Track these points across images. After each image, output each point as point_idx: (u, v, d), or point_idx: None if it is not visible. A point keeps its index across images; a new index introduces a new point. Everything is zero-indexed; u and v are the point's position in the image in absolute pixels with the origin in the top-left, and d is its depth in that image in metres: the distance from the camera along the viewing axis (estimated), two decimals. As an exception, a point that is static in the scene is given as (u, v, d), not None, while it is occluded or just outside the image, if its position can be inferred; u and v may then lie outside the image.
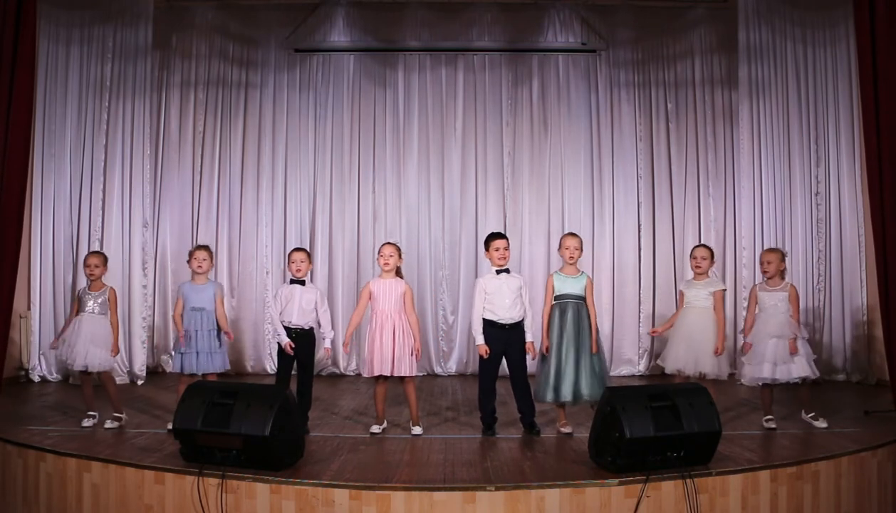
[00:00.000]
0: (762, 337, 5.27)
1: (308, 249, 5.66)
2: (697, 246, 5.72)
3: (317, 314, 5.35)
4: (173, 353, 5.63)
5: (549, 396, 5.06)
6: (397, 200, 8.37)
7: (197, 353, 5.31)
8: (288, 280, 5.47)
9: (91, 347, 5.34)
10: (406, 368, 5.15)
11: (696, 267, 5.45)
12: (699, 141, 8.35)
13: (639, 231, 8.33)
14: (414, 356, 5.17)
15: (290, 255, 5.48)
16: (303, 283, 5.36)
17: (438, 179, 8.40)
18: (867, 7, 5.50)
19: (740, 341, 7.52)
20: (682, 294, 5.52)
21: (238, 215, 8.33)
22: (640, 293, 8.23)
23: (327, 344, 5.40)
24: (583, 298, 5.18)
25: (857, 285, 7.52)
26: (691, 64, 8.42)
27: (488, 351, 5.12)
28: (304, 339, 5.28)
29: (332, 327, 5.49)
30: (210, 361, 5.34)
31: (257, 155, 8.38)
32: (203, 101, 8.38)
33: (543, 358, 5.17)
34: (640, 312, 8.21)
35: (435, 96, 8.48)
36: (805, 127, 7.65)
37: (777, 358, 5.20)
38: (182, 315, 5.38)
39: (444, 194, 8.39)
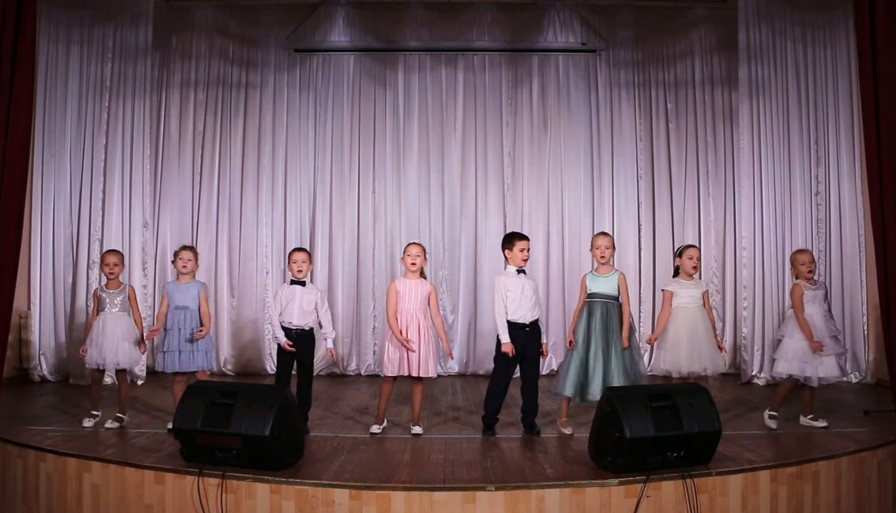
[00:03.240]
0: (823, 335, 5.28)
1: (309, 250, 5.62)
2: (692, 246, 5.61)
3: (317, 315, 5.33)
4: (155, 351, 5.65)
5: (570, 391, 5.04)
6: (397, 200, 8.38)
7: (179, 351, 5.32)
8: (288, 281, 5.45)
9: (121, 344, 5.38)
10: (431, 369, 5.14)
11: (694, 267, 5.40)
12: (699, 141, 8.36)
13: (639, 231, 8.34)
14: (437, 357, 5.17)
15: (290, 255, 5.44)
16: (303, 283, 5.33)
17: (438, 179, 8.40)
18: (867, 7, 5.49)
19: (741, 339, 7.61)
20: (671, 295, 5.38)
21: (238, 215, 8.34)
22: (640, 293, 8.23)
23: (329, 344, 5.35)
24: (615, 297, 5.14)
25: (857, 285, 7.52)
26: (691, 64, 8.43)
27: (514, 350, 5.06)
28: (304, 339, 5.26)
29: (334, 327, 5.47)
30: (191, 359, 5.33)
31: (257, 155, 8.38)
32: (203, 101, 8.39)
33: (567, 354, 5.16)
34: (640, 311, 8.21)
35: (435, 96, 8.48)
36: (805, 127, 7.64)
37: (836, 353, 5.30)
38: (166, 314, 5.40)
39: (444, 194, 8.39)
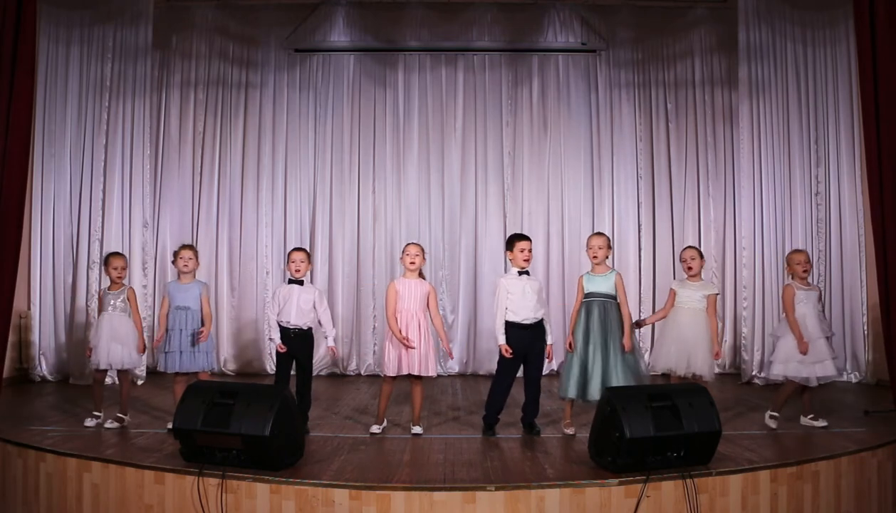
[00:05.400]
0: (817, 336, 5.23)
1: (308, 250, 5.62)
2: (686, 248, 5.64)
3: (316, 314, 5.34)
4: (156, 352, 5.66)
5: (573, 392, 5.03)
6: (397, 200, 8.38)
7: (180, 352, 5.31)
8: (286, 280, 5.46)
9: (113, 345, 5.38)
10: (431, 367, 5.15)
11: (688, 269, 5.41)
12: (699, 141, 8.36)
13: (639, 231, 8.34)
14: (439, 355, 5.16)
15: (289, 254, 5.46)
16: (301, 283, 5.34)
17: (438, 179, 8.40)
18: (867, 7, 5.50)
19: (741, 339, 7.61)
20: (673, 292, 5.44)
21: (238, 215, 8.34)
22: (640, 293, 8.24)
23: (330, 342, 5.35)
24: (612, 297, 5.14)
25: (857, 285, 7.52)
26: (691, 64, 8.43)
27: (510, 351, 5.05)
28: (302, 339, 5.26)
29: (334, 326, 5.47)
30: (192, 360, 5.33)
31: (257, 155, 8.38)
32: (203, 101, 8.39)
33: (567, 355, 5.15)
34: (640, 312, 8.20)
35: (435, 96, 8.48)
36: (805, 127, 7.64)
37: (831, 355, 5.27)
38: (167, 314, 5.40)
39: (444, 194, 8.39)
